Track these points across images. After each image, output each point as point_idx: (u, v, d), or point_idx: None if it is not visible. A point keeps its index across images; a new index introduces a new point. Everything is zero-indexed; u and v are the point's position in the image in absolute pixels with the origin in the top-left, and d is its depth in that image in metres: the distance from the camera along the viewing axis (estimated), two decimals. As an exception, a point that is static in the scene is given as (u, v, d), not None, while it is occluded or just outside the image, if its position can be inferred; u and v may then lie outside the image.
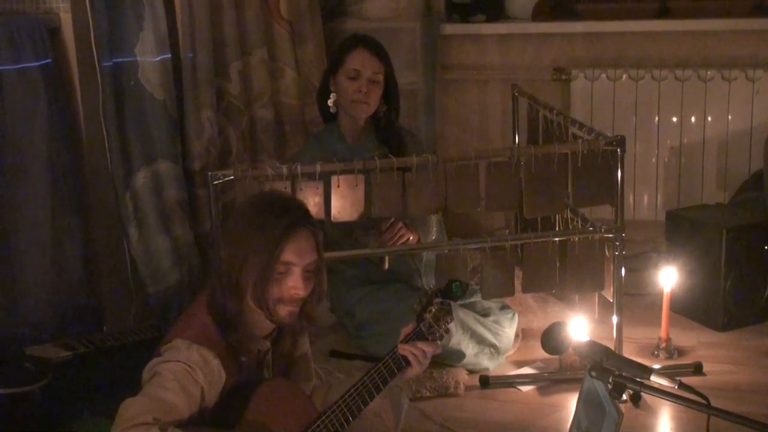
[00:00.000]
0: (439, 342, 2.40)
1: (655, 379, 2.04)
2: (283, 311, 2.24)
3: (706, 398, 1.95)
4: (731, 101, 4.19)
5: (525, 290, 3.23)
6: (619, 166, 3.08)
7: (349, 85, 3.38)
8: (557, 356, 3.22)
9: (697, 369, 3.30)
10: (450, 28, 4.46)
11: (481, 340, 3.34)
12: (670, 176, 4.33)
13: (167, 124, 3.60)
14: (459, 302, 3.02)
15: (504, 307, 3.48)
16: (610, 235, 3.14)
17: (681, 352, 3.45)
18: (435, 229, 3.49)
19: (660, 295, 3.45)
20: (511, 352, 3.45)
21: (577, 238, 3.15)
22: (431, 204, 3.05)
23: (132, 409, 2.06)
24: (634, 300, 3.80)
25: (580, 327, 3.07)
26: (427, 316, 2.39)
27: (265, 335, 2.33)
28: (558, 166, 3.07)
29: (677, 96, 4.24)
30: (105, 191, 3.55)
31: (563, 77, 4.37)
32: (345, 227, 3.27)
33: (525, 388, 3.25)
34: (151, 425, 2.01)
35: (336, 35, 4.27)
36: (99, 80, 3.38)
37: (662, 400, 2.44)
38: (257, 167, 3.09)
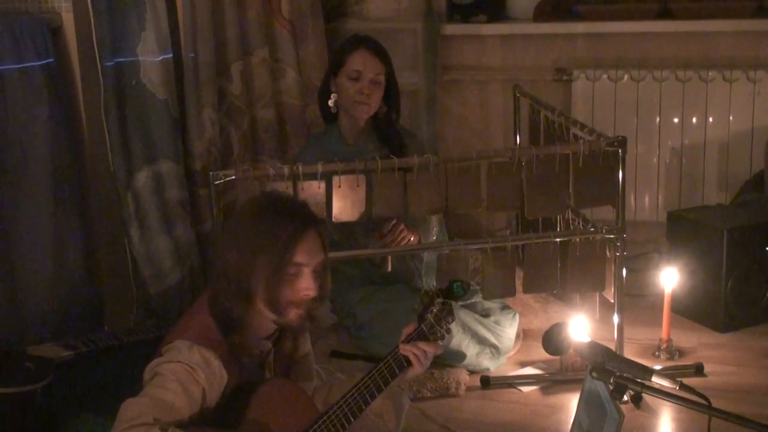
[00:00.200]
0: (440, 342, 2.40)
1: (656, 380, 2.04)
2: (293, 313, 2.24)
3: (707, 399, 1.95)
4: (732, 102, 4.19)
5: (526, 291, 3.23)
6: (621, 166, 3.08)
7: (350, 86, 3.38)
8: (558, 357, 3.22)
9: (698, 370, 3.30)
10: (451, 29, 4.46)
11: (482, 341, 3.34)
12: (671, 177, 4.33)
13: (169, 124, 3.61)
14: (460, 302, 3.02)
15: (505, 308, 3.48)
16: (611, 236, 3.14)
17: (682, 352, 3.45)
18: (436, 229, 3.49)
19: (661, 295, 3.45)
20: (512, 353, 3.45)
21: (578, 239, 3.15)
22: (432, 204, 3.05)
23: (133, 409, 2.06)
24: (635, 301, 3.80)
25: (581, 328, 3.07)
26: (429, 316, 2.39)
27: (266, 336, 2.33)
28: (559, 166, 3.07)
29: (678, 97, 4.24)
30: (106, 191, 3.55)
31: (564, 78, 4.37)
32: (346, 228, 3.27)
33: (526, 389, 3.25)
34: (152, 425, 2.01)
35: (337, 35, 4.27)
36: (101, 80, 3.38)
37: (663, 401, 2.44)
38: (258, 167, 3.09)
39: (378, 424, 2.39)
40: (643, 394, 2.55)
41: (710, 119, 4.23)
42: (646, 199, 4.38)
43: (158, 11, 3.52)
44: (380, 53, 3.41)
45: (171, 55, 3.61)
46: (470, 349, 3.31)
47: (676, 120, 4.27)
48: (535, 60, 4.45)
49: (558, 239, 3.17)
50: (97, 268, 3.57)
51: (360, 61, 3.37)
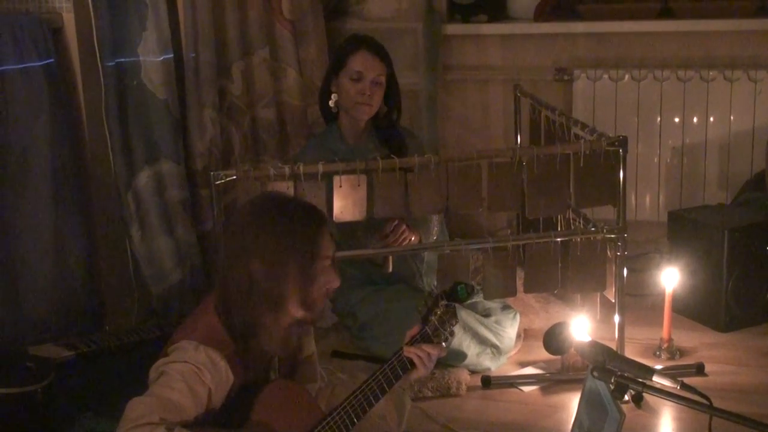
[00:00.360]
0: (444, 344, 2.40)
1: (657, 380, 2.04)
2: (318, 309, 2.27)
3: (708, 399, 1.95)
4: (733, 102, 4.19)
5: (527, 290, 3.23)
6: (621, 166, 3.08)
7: (351, 87, 3.37)
8: (559, 357, 3.22)
9: (699, 369, 3.30)
10: (452, 29, 4.46)
11: (482, 341, 3.34)
12: (672, 177, 4.32)
13: (170, 124, 3.61)
14: (462, 303, 3.02)
15: (506, 308, 3.48)
16: (612, 236, 3.14)
17: (683, 352, 3.45)
18: (436, 229, 3.49)
19: (662, 295, 3.45)
20: (512, 353, 3.45)
21: (579, 239, 3.15)
22: (433, 204, 3.06)
23: (138, 408, 2.05)
24: (636, 300, 3.80)
25: (582, 327, 3.06)
26: (433, 318, 2.39)
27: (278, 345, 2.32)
28: (560, 166, 3.07)
29: (679, 96, 4.24)
30: (107, 191, 3.56)
31: (565, 77, 4.37)
32: (347, 228, 3.27)
33: (527, 389, 3.25)
34: (158, 425, 2.01)
35: (338, 35, 4.27)
36: (102, 80, 3.38)
37: (664, 401, 2.44)
38: (259, 167, 3.09)
39: (380, 425, 2.39)
40: (644, 394, 2.56)
41: (711, 119, 4.23)
42: (647, 198, 4.38)
43: (159, 11, 3.52)
44: (381, 54, 3.41)
45: (172, 56, 3.61)
46: (471, 349, 3.31)
47: (676, 119, 4.27)
48: (535, 60, 4.45)
49: (559, 239, 3.17)
50: (98, 269, 3.57)
51: (361, 62, 3.37)
